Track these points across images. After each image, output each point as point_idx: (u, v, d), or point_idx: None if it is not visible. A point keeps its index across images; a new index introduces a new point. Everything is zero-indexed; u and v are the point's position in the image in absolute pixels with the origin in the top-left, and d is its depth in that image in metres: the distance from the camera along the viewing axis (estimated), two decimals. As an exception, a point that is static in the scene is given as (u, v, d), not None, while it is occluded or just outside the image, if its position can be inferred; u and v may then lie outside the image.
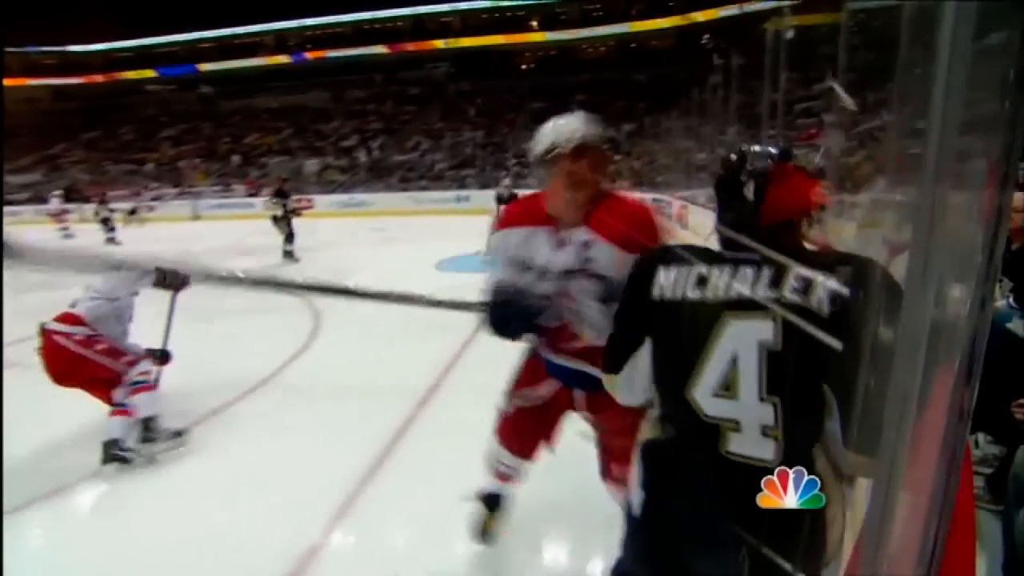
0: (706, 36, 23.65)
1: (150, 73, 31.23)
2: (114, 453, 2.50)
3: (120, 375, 2.68)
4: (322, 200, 18.04)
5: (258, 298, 5.81)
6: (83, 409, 2.74)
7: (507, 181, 9.43)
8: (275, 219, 8.45)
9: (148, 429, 2.68)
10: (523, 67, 29.91)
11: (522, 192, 9.55)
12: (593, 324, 1.33)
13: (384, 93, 28.36)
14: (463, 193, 18.15)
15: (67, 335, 2.62)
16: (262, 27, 29.97)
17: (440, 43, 29.45)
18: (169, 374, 2.90)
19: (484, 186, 17.90)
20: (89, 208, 14.26)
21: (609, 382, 1.10)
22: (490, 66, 28.12)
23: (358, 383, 3.61)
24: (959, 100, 0.50)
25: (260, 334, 4.73)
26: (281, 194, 8.59)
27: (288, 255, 8.32)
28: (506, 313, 1.43)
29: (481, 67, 27.95)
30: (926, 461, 0.56)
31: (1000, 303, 2.26)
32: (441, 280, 6.43)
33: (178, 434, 2.74)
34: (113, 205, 13.99)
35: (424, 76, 29.27)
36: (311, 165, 22.31)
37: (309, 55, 30.11)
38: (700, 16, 25.61)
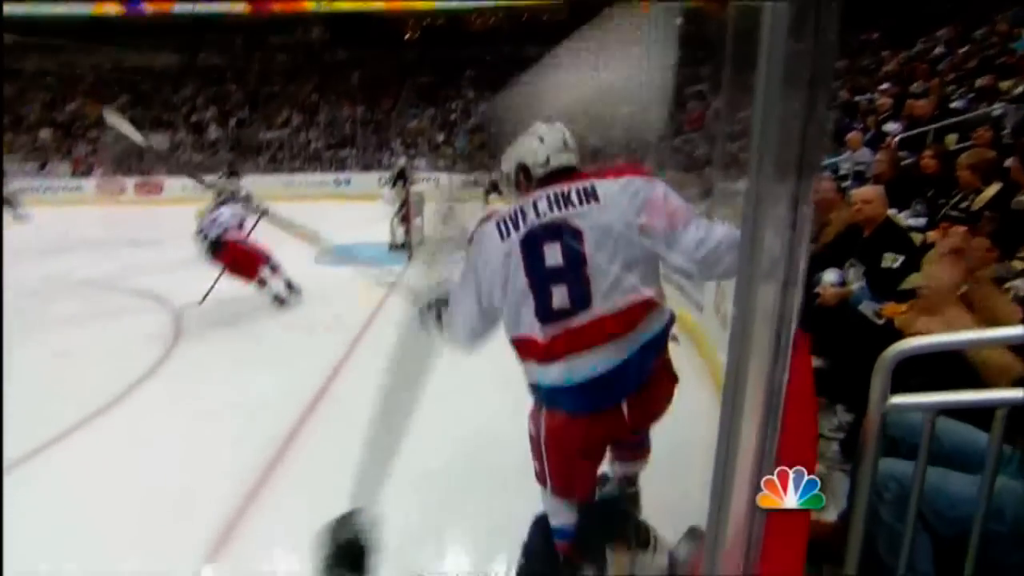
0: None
1: None
2: (280, 297, 5.40)
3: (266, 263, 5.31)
4: (173, 184, 16.48)
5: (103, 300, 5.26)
6: None
7: (402, 161, 9.11)
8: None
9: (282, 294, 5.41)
10: (406, 36, 29.18)
11: (419, 174, 9.30)
12: None
13: (247, 59, 26.27)
14: (343, 176, 17.49)
15: (245, 241, 5.24)
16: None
17: (312, 4, 27.86)
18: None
19: (367, 168, 17.39)
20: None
21: None
22: (370, 34, 27.10)
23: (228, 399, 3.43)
24: (777, 100, 0.60)
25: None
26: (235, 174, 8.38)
27: None
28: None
29: (360, 34, 26.84)
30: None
31: (855, 286, 2.69)
32: (322, 276, 6.16)
33: (297, 287, 5.54)
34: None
35: (295, 42, 27.53)
36: (157, 141, 20.18)
37: (147, 6, 27.00)
38: (591, -9, 26.63)
